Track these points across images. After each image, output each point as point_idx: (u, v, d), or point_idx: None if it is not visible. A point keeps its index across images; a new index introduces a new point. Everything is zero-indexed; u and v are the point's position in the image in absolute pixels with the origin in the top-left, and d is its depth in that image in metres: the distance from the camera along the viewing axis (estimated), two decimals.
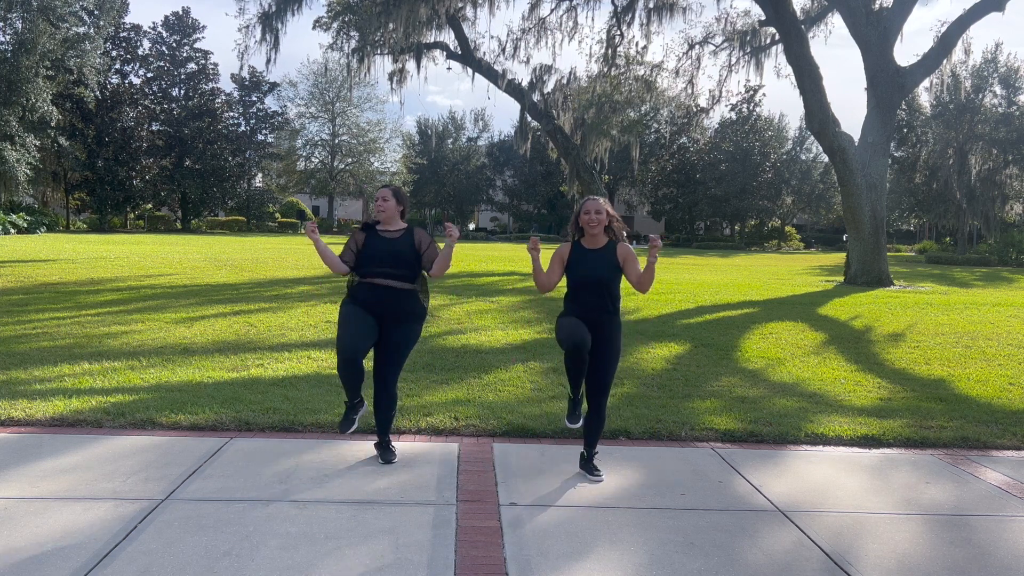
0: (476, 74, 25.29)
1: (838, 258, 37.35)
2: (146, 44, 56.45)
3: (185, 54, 57.29)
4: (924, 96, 45.02)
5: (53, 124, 40.34)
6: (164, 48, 56.85)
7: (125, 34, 54.70)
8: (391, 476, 4.52)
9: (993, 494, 4.61)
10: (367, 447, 4.97)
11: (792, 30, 20.01)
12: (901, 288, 19.03)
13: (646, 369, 7.89)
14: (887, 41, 20.03)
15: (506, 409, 6.02)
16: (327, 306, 11.52)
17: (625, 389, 6.87)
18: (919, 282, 22.47)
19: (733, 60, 25.41)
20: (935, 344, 9.83)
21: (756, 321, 11.48)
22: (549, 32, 25.08)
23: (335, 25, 24.01)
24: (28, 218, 37.94)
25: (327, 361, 7.67)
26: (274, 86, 60.44)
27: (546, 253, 4.52)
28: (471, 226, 77.76)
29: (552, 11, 24.96)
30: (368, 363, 4.75)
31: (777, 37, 22.91)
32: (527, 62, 25.60)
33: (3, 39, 36.94)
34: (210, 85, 58.02)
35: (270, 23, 23.79)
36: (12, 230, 35.16)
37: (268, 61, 25.03)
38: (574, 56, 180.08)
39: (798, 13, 21.56)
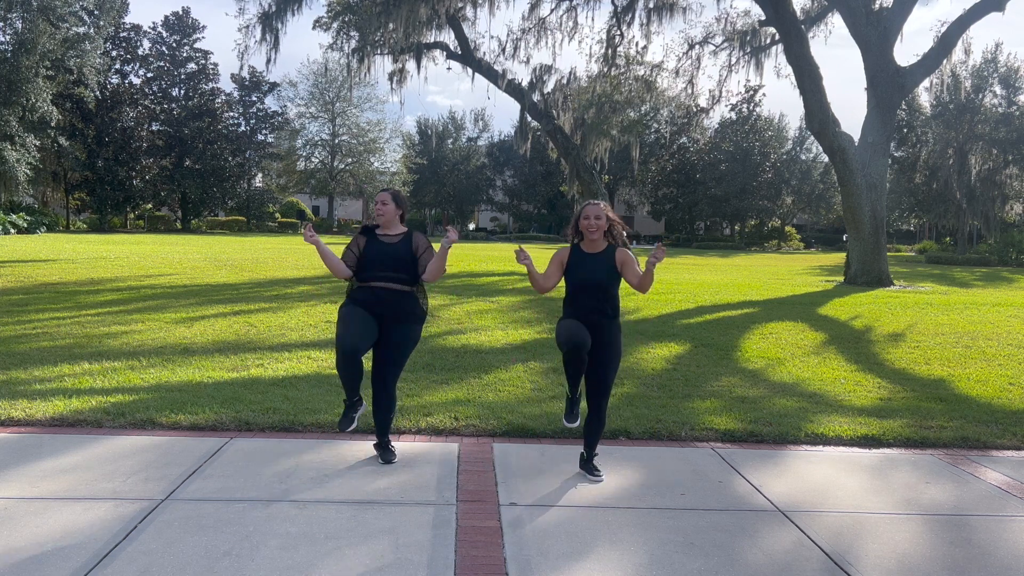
0: (476, 74, 25.28)
1: (838, 258, 37.35)
2: (146, 44, 56.49)
3: (185, 54, 57.29)
4: (924, 96, 45.06)
5: (53, 124, 40.33)
6: (164, 48, 56.84)
7: (125, 34, 54.68)
8: (391, 476, 4.52)
9: (993, 494, 4.61)
10: (367, 447, 4.97)
11: (792, 30, 20.01)
12: (901, 288, 19.03)
13: (646, 369, 7.90)
14: (887, 41, 20.03)
15: (506, 409, 6.02)
16: (327, 306, 11.52)
17: (625, 389, 6.87)
18: (919, 282, 22.47)
19: (733, 60, 25.41)
20: (935, 344, 9.83)
21: (756, 321, 11.48)
22: (549, 32, 25.08)
23: (335, 25, 24.00)
24: (28, 218, 37.93)
25: (327, 361, 7.67)
26: (274, 86, 60.47)
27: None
28: (471, 226, 77.74)
29: (552, 11, 24.96)
30: (368, 363, 4.75)
31: (777, 37, 22.91)
32: (527, 62, 25.61)
33: (3, 39, 36.97)
34: (210, 85, 58.02)
35: (270, 23, 23.78)
36: (12, 230, 35.16)
37: (268, 61, 25.03)
38: (574, 56, 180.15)
39: (798, 13, 21.56)
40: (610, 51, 24.62)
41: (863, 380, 7.70)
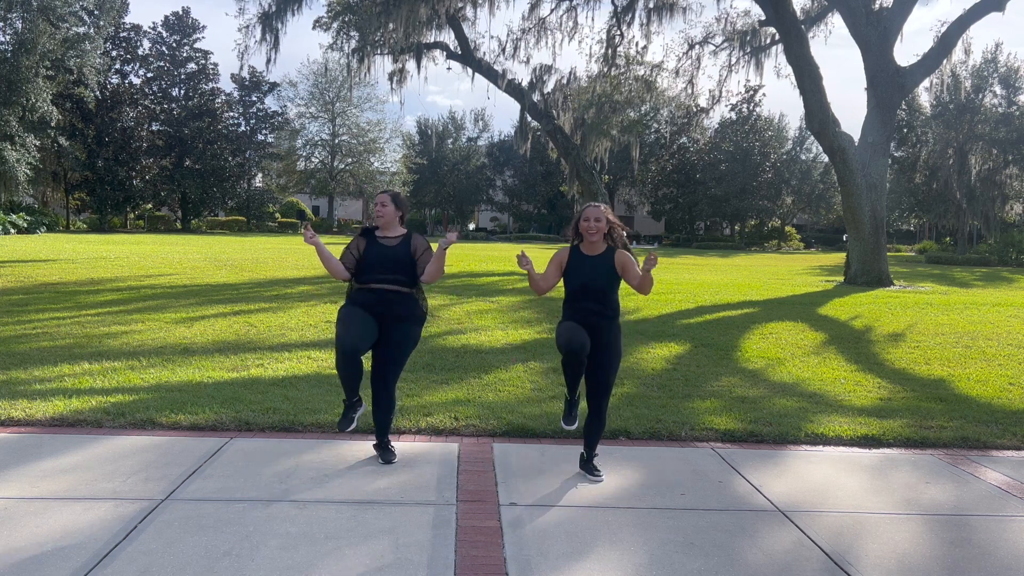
0: (476, 74, 25.27)
1: (838, 258, 37.36)
2: (146, 44, 56.49)
3: (185, 54, 57.28)
4: (924, 96, 45.07)
5: (53, 124, 40.33)
6: (164, 48, 56.84)
7: (125, 34, 54.68)
8: (391, 476, 4.52)
9: (993, 494, 4.61)
10: (367, 447, 4.96)
11: (792, 30, 20.01)
12: (901, 288, 19.03)
13: (646, 369, 7.89)
14: (887, 41, 20.03)
15: (506, 409, 6.02)
16: (327, 306, 11.53)
17: (625, 389, 6.87)
18: (919, 282, 22.47)
19: (733, 60, 25.41)
20: (935, 344, 9.83)
21: (756, 321, 11.48)
22: (549, 32, 25.07)
23: (335, 25, 24.00)
24: (28, 218, 37.93)
25: (327, 361, 7.67)
26: (274, 86, 60.46)
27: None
28: (471, 226, 77.73)
29: (552, 11, 24.95)
30: (367, 363, 4.75)
31: (777, 37, 22.91)
32: (527, 62, 25.60)
33: (3, 39, 36.97)
34: (210, 85, 58.02)
35: (270, 23, 23.78)
36: (12, 230, 35.16)
37: (268, 61, 25.04)
38: (574, 56, 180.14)
39: (798, 13, 21.56)
40: (610, 51, 24.62)
41: (863, 380, 7.70)
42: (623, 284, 4.58)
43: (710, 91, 28.64)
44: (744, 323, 11.32)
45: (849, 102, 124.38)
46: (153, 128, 55.75)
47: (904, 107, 42.47)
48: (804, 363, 8.48)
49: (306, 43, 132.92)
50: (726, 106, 60.02)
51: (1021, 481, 4.87)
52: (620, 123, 25.74)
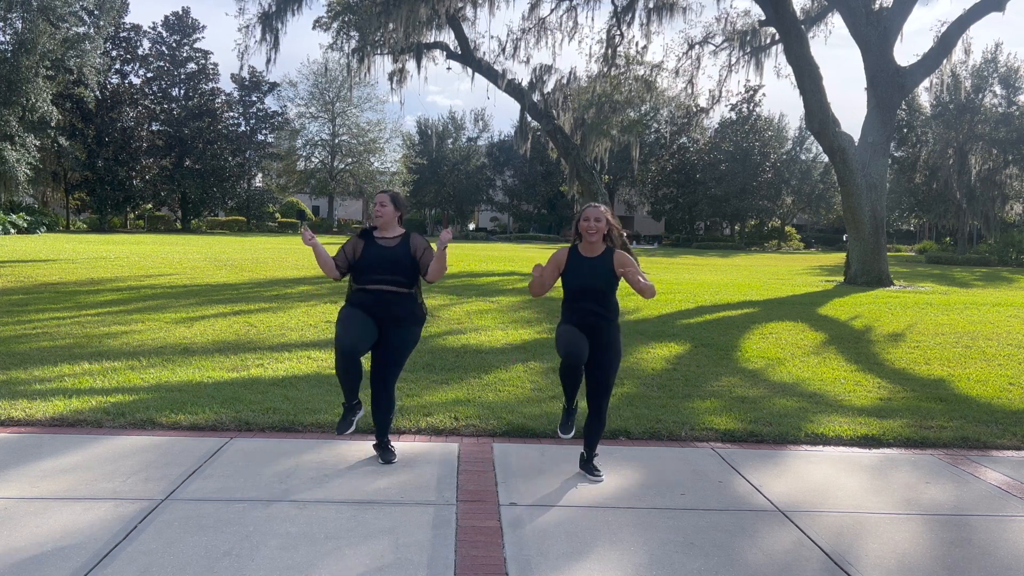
0: (476, 74, 25.27)
1: (838, 258, 37.36)
2: (146, 44, 56.49)
3: (185, 54, 57.28)
4: (924, 96, 45.07)
5: (53, 124, 40.33)
6: (164, 48, 56.84)
7: (125, 34, 54.68)
8: (391, 476, 4.52)
9: (993, 494, 4.61)
10: (367, 447, 4.96)
11: (792, 30, 20.01)
12: (901, 288, 19.03)
13: (646, 369, 7.90)
14: (887, 41, 20.03)
15: (506, 409, 6.02)
16: (327, 306, 11.53)
17: (625, 389, 6.87)
18: (919, 282, 22.47)
19: (733, 60, 25.42)
20: (935, 344, 9.83)
21: (756, 321, 11.48)
22: (549, 32, 25.07)
23: (335, 25, 24.00)
24: (28, 218, 37.93)
25: (327, 361, 7.67)
26: (274, 86, 60.46)
27: (545, 254, 4.53)
28: (471, 226, 77.74)
29: (552, 11, 24.96)
30: (367, 364, 4.75)
31: (777, 37, 22.91)
32: (527, 62, 25.60)
33: (3, 39, 36.97)
34: (210, 85, 58.02)
35: (270, 23, 23.78)
36: (12, 230, 35.16)
37: (268, 61, 25.06)
38: (574, 56, 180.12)
39: (798, 13, 21.57)
40: (610, 51, 24.62)
41: (863, 380, 7.70)
42: (622, 284, 4.58)
43: (710, 91, 28.67)
44: (744, 323, 11.32)
45: (849, 102, 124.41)
46: (153, 128, 55.76)
47: (904, 107, 42.48)
48: (804, 363, 8.48)
49: (306, 43, 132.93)
50: (726, 106, 60.12)
51: (1021, 481, 4.87)
52: (620, 123, 25.74)
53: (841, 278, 21.69)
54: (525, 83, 25.38)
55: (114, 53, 52.97)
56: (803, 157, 64.22)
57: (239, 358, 7.77)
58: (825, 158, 40.72)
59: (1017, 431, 5.95)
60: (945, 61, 22.00)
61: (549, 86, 25.61)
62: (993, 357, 9.07)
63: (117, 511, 3.86)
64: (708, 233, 66.76)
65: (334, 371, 4.75)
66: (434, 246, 4.70)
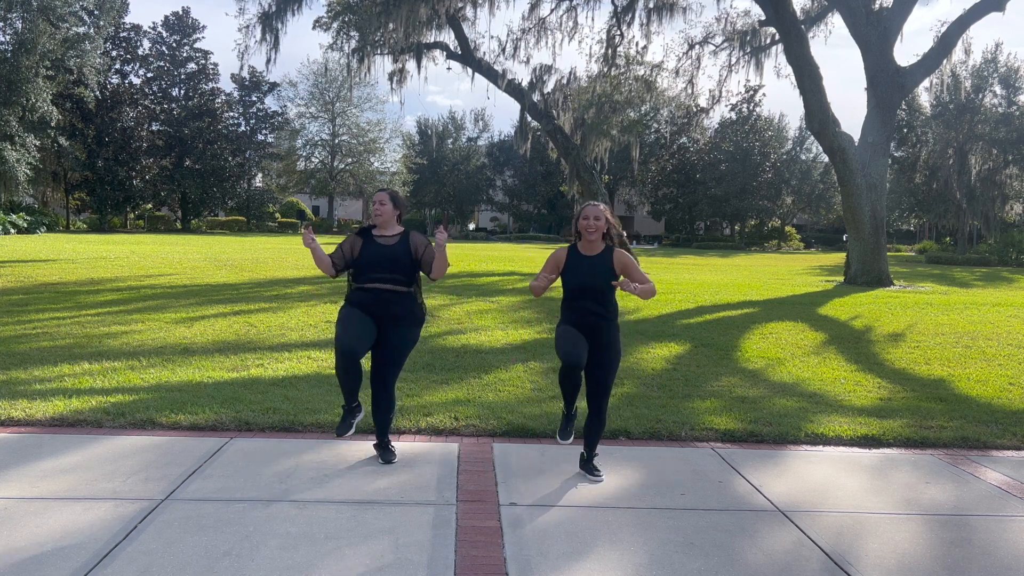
0: (476, 74, 25.28)
1: (838, 258, 37.36)
2: (146, 44, 56.51)
3: (185, 54, 57.29)
4: (924, 96, 45.09)
5: (53, 124, 40.33)
6: (164, 48, 56.85)
7: (125, 34, 54.69)
8: (391, 476, 4.52)
9: (993, 494, 4.61)
10: (367, 447, 4.96)
11: (792, 30, 20.01)
12: (901, 288, 19.03)
13: (646, 369, 7.89)
14: (887, 41, 20.03)
15: (506, 409, 6.02)
16: (327, 306, 11.52)
17: (625, 389, 6.87)
18: (919, 282, 22.47)
19: (733, 60, 25.42)
20: (935, 344, 9.83)
21: (756, 321, 11.48)
22: (549, 32, 25.08)
23: (335, 25, 24.00)
24: (28, 218, 37.93)
25: (327, 361, 7.67)
26: (274, 86, 60.47)
27: (544, 254, 4.53)
28: (471, 226, 77.74)
29: (552, 11, 24.97)
30: (366, 364, 4.75)
31: (777, 37, 22.91)
32: (527, 62, 25.62)
33: (3, 39, 36.97)
34: (210, 85, 58.03)
35: (270, 23, 23.79)
36: (12, 230, 35.16)
37: (268, 61, 25.04)
38: (574, 56, 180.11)
39: (798, 13, 21.57)
40: (610, 51, 24.62)
41: (863, 380, 7.70)
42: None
43: (710, 91, 28.68)
44: (744, 323, 11.32)
45: (849, 102, 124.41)
46: (153, 128, 55.77)
47: (904, 107, 42.49)
48: (804, 363, 8.48)
49: (306, 43, 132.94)
50: (726, 106, 60.17)
51: (1021, 481, 4.87)
52: (620, 123, 25.75)
53: (841, 278, 21.69)
54: (525, 83, 25.39)
55: (114, 53, 52.98)
56: (803, 157, 64.24)
57: (239, 358, 7.77)
58: (825, 158, 40.72)
59: (1017, 431, 5.95)
60: (945, 61, 22.01)
61: (549, 86, 25.63)
62: (993, 357, 9.07)
63: (117, 511, 3.86)
64: (708, 233, 66.76)
65: (334, 371, 4.75)
66: (432, 244, 4.70)
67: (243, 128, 59.92)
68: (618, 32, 24.49)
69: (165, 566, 3.29)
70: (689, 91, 26.71)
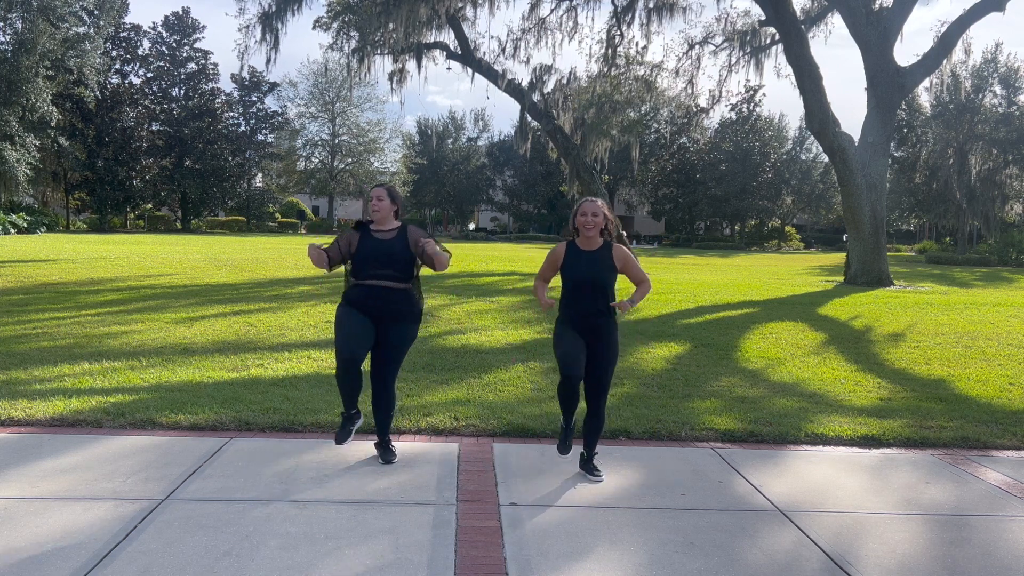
0: (476, 74, 25.27)
1: (838, 258, 37.36)
2: (146, 44, 56.53)
3: (185, 54, 57.30)
4: (924, 96, 45.09)
5: (53, 124, 40.33)
6: (164, 48, 56.86)
7: (125, 34, 54.70)
8: (391, 476, 4.52)
9: (993, 494, 4.61)
10: (367, 447, 4.96)
11: (792, 30, 20.01)
12: (901, 288, 19.03)
13: (646, 369, 7.89)
14: (887, 41, 20.03)
15: (506, 409, 6.02)
16: (327, 306, 11.52)
17: (625, 389, 6.87)
18: (919, 282, 22.47)
19: (733, 60, 25.42)
20: (935, 344, 9.83)
21: (756, 321, 11.48)
22: (549, 32, 25.08)
23: (335, 25, 24.01)
24: (28, 218, 37.94)
25: (327, 361, 7.67)
26: (274, 86, 60.47)
27: (544, 254, 4.53)
28: (471, 226, 77.72)
29: (552, 11, 24.97)
30: (366, 365, 4.75)
31: (777, 37, 22.91)
32: (527, 62, 25.62)
33: (3, 39, 36.98)
34: (210, 85, 58.04)
35: (270, 23, 23.79)
36: (12, 230, 35.16)
37: (268, 61, 25.05)
38: (574, 56, 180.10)
39: (798, 13, 21.57)
40: (610, 51, 24.62)
41: (863, 380, 7.70)
42: (621, 282, 4.58)
43: (710, 91, 28.68)
44: (744, 323, 11.32)
45: (849, 102, 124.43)
46: (153, 128, 55.78)
47: (904, 107, 42.48)
48: (804, 363, 8.48)
49: (306, 43, 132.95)
50: (726, 106, 60.14)
51: (1021, 481, 4.87)
52: (620, 123, 25.75)
53: (841, 278, 21.69)
54: (525, 83, 25.39)
55: (114, 53, 52.99)
56: (803, 157, 64.25)
57: (239, 358, 7.77)
58: (825, 158, 40.72)
59: (1017, 431, 5.95)
60: (945, 61, 22.01)
61: (549, 86, 25.63)
62: (993, 357, 9.07)
63: (117, 511, 3.86)
64: (708, 233, 66.77)
65: (334, 371, 4.75)
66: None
67: (243, 128, 59.95)
68: (618, 32, 24.50)
69: (165, 566, 3.29)
70: (689, 91, 26.73)
